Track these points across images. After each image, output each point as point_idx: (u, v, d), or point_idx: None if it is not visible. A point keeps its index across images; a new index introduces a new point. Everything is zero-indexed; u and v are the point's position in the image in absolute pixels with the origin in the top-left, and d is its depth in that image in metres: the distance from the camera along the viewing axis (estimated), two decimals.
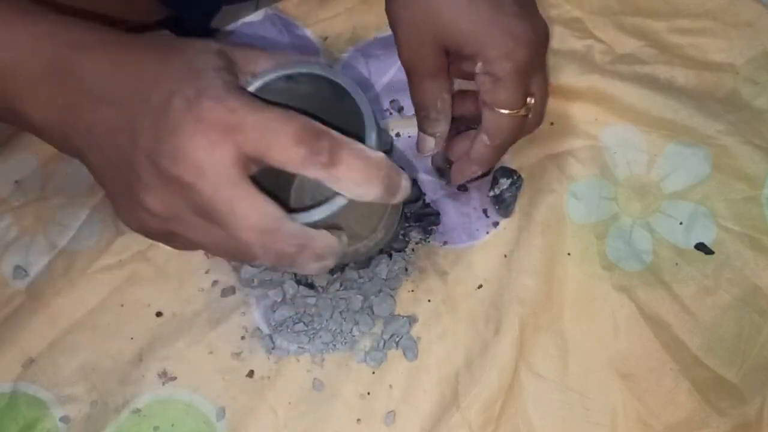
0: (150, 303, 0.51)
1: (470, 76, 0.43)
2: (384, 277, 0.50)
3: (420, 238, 0.52)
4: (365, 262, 0.50)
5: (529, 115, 0.43)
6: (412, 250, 0.52)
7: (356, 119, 0.36)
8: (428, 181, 0.55)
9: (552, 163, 0.54)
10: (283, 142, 0.31)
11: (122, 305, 0.51)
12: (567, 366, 0.48)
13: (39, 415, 0.48)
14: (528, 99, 0.42)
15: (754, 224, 0.51)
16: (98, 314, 0.50)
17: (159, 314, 0.51)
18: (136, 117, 0.33)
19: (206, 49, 0.35)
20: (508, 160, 0.55)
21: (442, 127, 0.44)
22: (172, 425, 0.48)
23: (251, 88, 0.35)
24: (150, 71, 0.34)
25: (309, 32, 0.61)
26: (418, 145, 0.45)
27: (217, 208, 0.32)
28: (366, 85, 0.58)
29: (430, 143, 0.45)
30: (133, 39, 0.36)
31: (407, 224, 0.52)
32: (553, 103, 0.56)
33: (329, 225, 0.35)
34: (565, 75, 0.56)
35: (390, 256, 0.51)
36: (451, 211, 0.53)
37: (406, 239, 0.52)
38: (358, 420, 0.47)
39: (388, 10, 0.43)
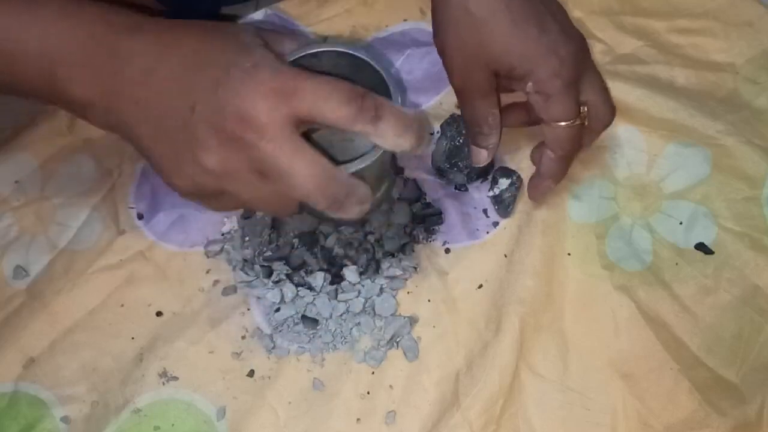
0: (150, 303, 0.51)
1: (515, 91, 0.46)
2: (386, 276, 0.50)
3: (423, 238, 0.52)
4: (360, 220, 0.51)
5: (585, 122, 0.45)
6: (412, 250, 0.52)
7: (374, 86, 0.40)
8: (428, 180, 0.55)
9: None
10: (336, 103, 0.35)
11: (123, 305, 0.51)
12: (567, 366, 0.48)
13: (40, 415, 0.48)
14: (582, 108, 0.45)
15: (754, 224, 0.51)
16: (99, 314, 0.50)
17: (159, 314, 0.51)
18: (193, 87, 0.36)
19: (248, 29, 0.39)
20: (508, 160, 0.55)
21: (494, 140, 0.47)
22: (173, 425, 0.48)
23: (296, 55, 0.40)
24: (200, 49, 0.37)
25: (309, 32, 0.61)
26: (473, 158, 0.49)
27: (278, 163, 0.36)
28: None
29: (484, 155, 0.48)
30: (174, 23, 0.40)
31: (410, 225, 0.52)
32: None
33: (358, 176, 0.40)
34: None
35: (393, 256, 0.51)
36: (451, 211, 0.53)
37: (410, 239, 0.52)
38: (358, 420, 0.47)
39: (436, 37, 0.46)
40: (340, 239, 0.51)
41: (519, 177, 0.53)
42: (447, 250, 0.52)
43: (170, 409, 0.48)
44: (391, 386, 0.48)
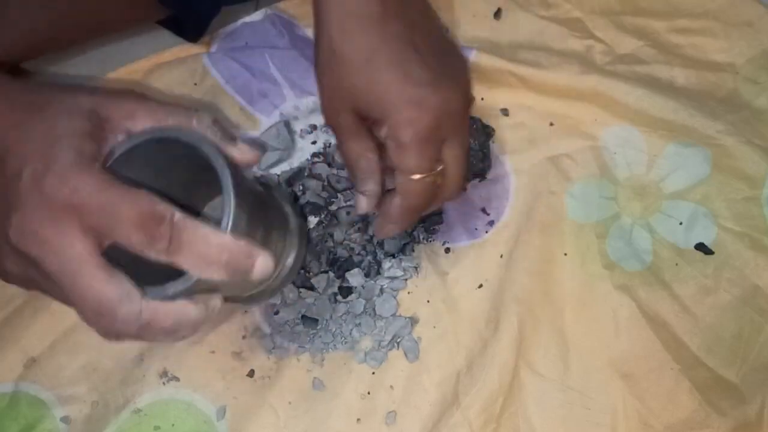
0: None
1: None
2: (386, 277, 0.50)
3: (423, 238, 0.53)
4: (276, 290, 0.48)
5: (440, 181, 0.43)
6: (412, 250, 0.52)
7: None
8: None
9: (552, 163, 0.54)
10: (124, 227, 0.31)
11: None
12: (567, 365, 0.48)
13: (40, 416, 0.48)
14: (437, 165, 0.42)
15: (754, 224, 0.51)
16: None
17: None
18: None
19: (73, 109, 0.34)
20: (507, 160, 0.55)
21: (371, 186, 0.43)
22: (173, 425, 0.48)
23: (119, 151, 0.35)
24: (10, 134, 0.34)
25: (309, 32, 0.61)
26: (357, 205, 0.45)
27: (62, 282, 0.32)
28: None
29: (362, 202, 0.44)
30: (6, 95, 0.36)
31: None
32: (553, 103, 0.56)
33: (204, 290, 0.35)
34: (565, 75, 0.56)
35: (394, 256, 0.51)
36: (451, 211, 0.53)
37: (411, 240, 0.52)
38: (359, 420, 0.47)
39: (316, 67, 0.44)
40: (343, 243, 0.52)
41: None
42: (447, 250, 0.52)
43: (170, 409, 0.48)
44: (391, 386, 0.48)
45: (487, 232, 0.53)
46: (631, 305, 0.49)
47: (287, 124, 0.56)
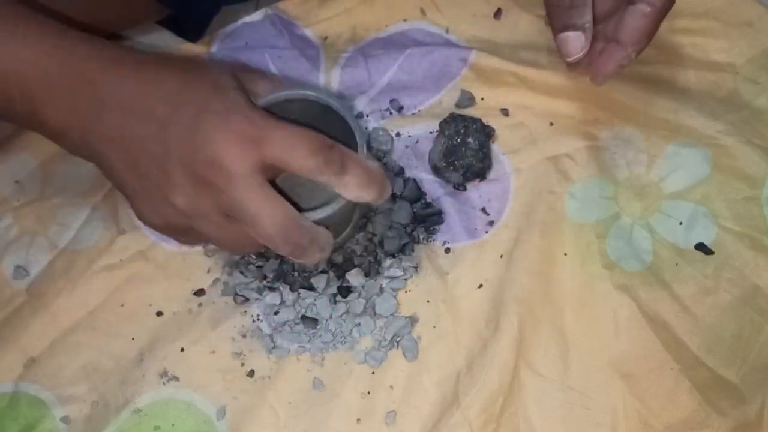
0: (151, 303, 0.51)
1: None
2: (386, 277, 0.50)
3: (423, 238, 0.53)
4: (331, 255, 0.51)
5: None
6: (412, 249, 0.52)
7: (342, 134, 0.42)
8: (428, 180, 0.55)
9: (552, 164, 0.54)
10: (303, 153, 0.36)
11: (123, 305, 0.51)
12: (567, 365, 0.48)
13: (40, 416, 0.48)
14: None
15: (754, 224, 0.51)
16: (99, 314, 0.50)
17: (159, 314, 0.51)
18: (168, 127, 0.37)
19: (224, 68, 0.40)
20: (507, 160, 0.55)
21: (588, 17, 0.43)
22: (173, 425, 0.48)
23: (269, 100, 0.41)
24: (177, 88, 0.38)
25: (309, 32, 0.61)
26: (567, 48, 0.44)
27: (245, 208, 0.37)
28: (365, 85, 0.58)
29: (579, 39, 0.43)
30: (152, 58, 0.40)
31: (410, 225, 0.52)
32: (553, 103, 0.56)
33: (321, 223, 0.40)
34: (565, 75, 0.56)
35: (393, 256, 0.51)
36: (451, 210, 0.53)
37: (410, 239, 0.52)
38: (358, 420, 0.47)
39: None
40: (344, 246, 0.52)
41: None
42: (447, 250, 0.52)
43: (170, 409, 0.48)
44: (391, 386, 0.48)
45: (487, 232, 0.53)
46: (631, 305, 0.49)
47: None
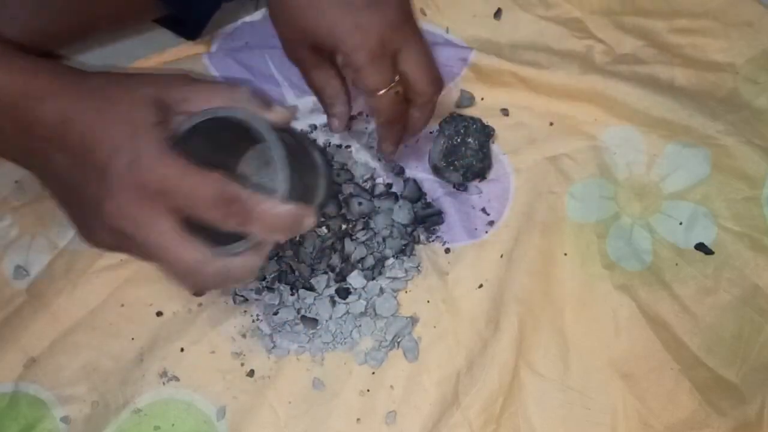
0: (151, 303, 0.51)
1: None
2: (387, 277, 0.50)
3: (423, 238, 0.53)
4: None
5: (402, 90, 0.46)
6: (413, 250, 0.52)
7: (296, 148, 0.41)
8: (428, 180, 0.55)
9: (552, 164, 0.54)
10: (205, 206, 0.37)
11: (123, 305, 0.51)
12: (568, 365, 0.48)
13: (40, 415, 0.48)
14: (394, 76, 0.46)
15: (754, 224, 0.51)
16: (99, 314, 0.50)
17: (159, 314, 0.51)
18: (85, 168, 0.38)
19: (143, 99, 0.39)
20: (507, 160, 0.55)
21: (339, 108, 0.50)
22: (173, 425, 0.48)
23: (183, 128, 0.39)
24: (95, 126, 0.38)
25: None
26: (328, 125, 0.51)
27: (153, 254, 0.38)
28: None
29: (334, 122, 0.50)
30: (80, 86, 0.40)
31: (411, 225, 0.52)
32: (553, 103, 0.56)
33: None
34: (565, 75, 0.56)
35: (394, 257, 0.51)
36: (451, 210, 0.53)
37: (411, 240, 0.52)
38: (358, 420, 0.47)
39: (270, 13, 0.48)
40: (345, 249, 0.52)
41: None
42: (447, 250, 0.52)
43: (170, 409, 0.48)
44: (391, 386, 0.48)
45: (487, 232, 0.53)
46: (631, 305, 0.49)
47: None
